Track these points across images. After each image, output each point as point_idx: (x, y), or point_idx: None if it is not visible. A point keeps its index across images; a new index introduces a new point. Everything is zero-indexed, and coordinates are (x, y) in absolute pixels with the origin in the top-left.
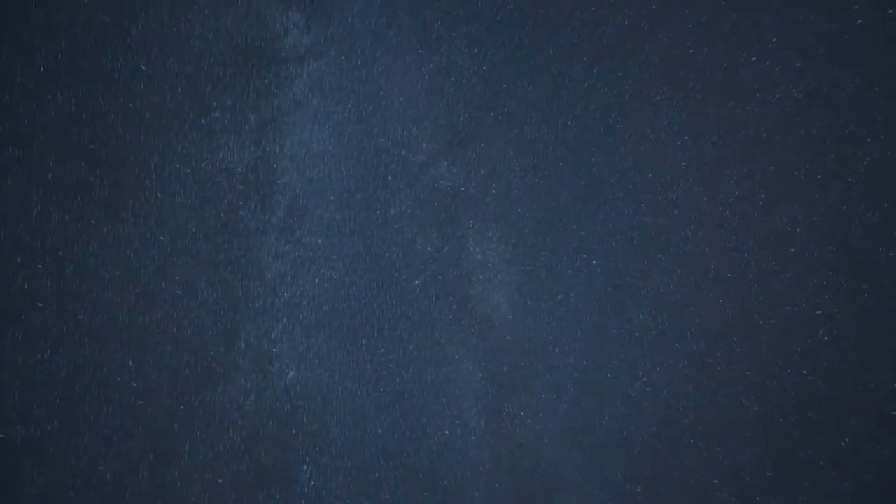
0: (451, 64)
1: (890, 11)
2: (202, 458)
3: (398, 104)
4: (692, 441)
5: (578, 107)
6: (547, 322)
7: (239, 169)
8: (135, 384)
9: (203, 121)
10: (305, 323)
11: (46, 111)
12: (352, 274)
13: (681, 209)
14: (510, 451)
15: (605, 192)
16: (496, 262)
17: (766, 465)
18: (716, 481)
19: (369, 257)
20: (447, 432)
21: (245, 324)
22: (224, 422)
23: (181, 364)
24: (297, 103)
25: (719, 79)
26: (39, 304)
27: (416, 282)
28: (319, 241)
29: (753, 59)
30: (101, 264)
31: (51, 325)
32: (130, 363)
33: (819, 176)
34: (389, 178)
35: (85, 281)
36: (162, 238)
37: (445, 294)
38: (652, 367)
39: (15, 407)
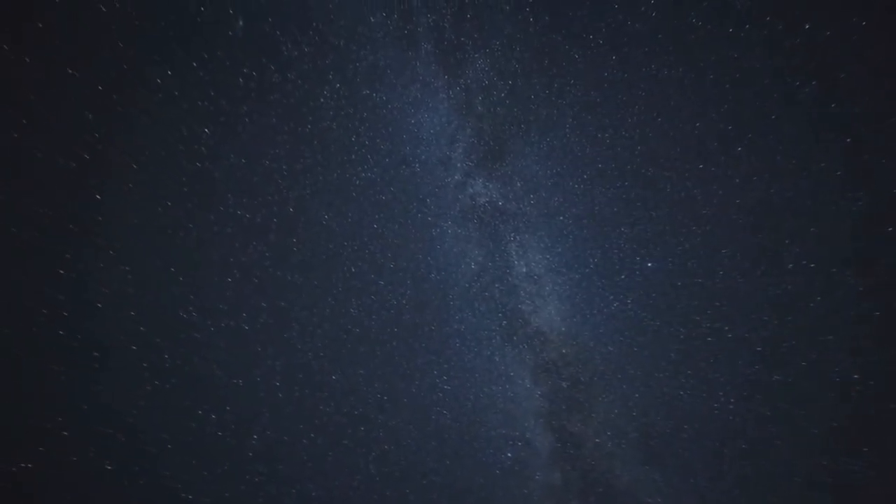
0: (476, 84)
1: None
2: None
3: (430, 130)
4: (788, 460)
5: (608, 110)
6: (605, 332)
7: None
8: None
9: None
10: (357, 348)
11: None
12: (398, 297)
13: (745, 197)
14: (582, 473)
15: (652, 189)
16: (543, 274)
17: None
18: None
19: (413, 279)
20: (510, 454)
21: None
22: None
23: None
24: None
25: (763, 83)
26: None
27: (463, 300)
28: (364, 266)
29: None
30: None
31: None
32: None
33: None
34: (428, 200)
35: None
36: None
37: (493, 310)
38: (733, 375)
39: None
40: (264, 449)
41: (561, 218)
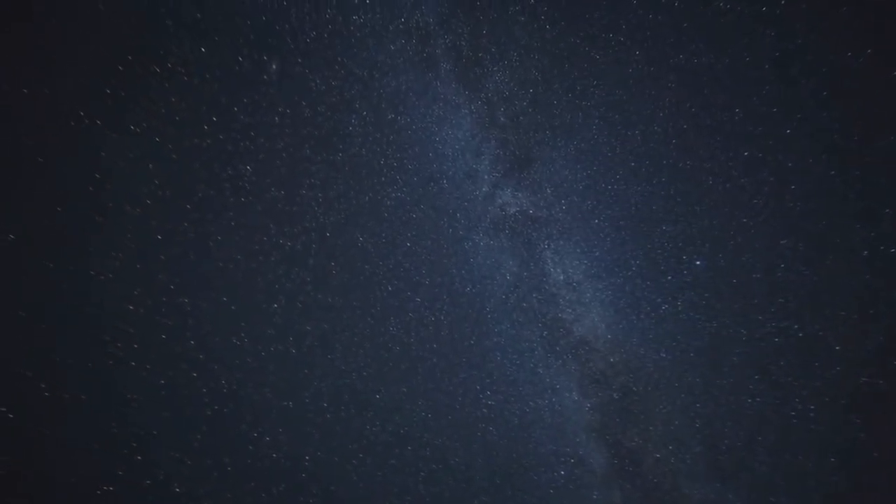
0: (497, 96)
1: None
2: None
3: (454, 145)
4: (888, 475)
5: (636, 106)
6: (655, 338)
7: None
8: None
9: None
10: (398, 366)
11: None
12: (436, 313)
13: (802, 181)
14: (644, 492)
15: (693, 183)
16: (582, 280)
17: None
18: None
19: (449, 294)
20: (563, 472)
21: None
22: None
23: None
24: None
25: (807, 59)
26: None
27: (501, 312)
28: (400, 284)
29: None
30: None
31: None
32: None
33: None
34: (458, 214)
35: None
36: None
37: (533, 320)
38: (810, 378)
39: None
40: (317, 470)
41: (596, 221)
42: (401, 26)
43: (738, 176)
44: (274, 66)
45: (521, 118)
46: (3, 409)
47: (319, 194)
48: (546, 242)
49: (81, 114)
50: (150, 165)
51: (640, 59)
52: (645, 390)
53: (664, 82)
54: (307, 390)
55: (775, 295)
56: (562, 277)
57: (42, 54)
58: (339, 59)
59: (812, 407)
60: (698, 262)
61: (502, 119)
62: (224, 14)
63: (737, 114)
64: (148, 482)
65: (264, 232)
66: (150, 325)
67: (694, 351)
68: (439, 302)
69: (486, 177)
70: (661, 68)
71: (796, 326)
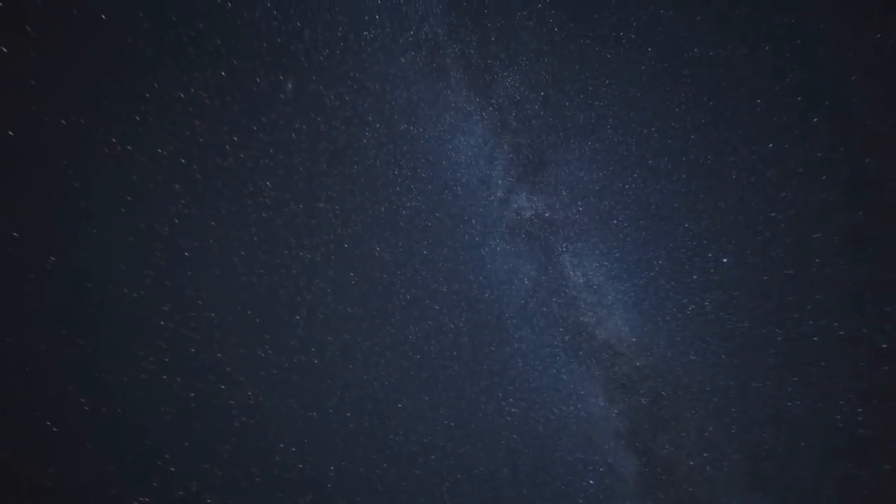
0: (508, 101)
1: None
2: None
3: (467, 152)
4: None
5: (651, 103)
6: (683, 340)
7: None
8: None
9: None
10: (419, 374)
11: None
12: (454, 320)
13: (833, 170)
14: (679, 502)
15: (716, 178)
16: (602, 282)
17: None
18: None
19: (468, 301)
20: (592, 482)
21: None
22: None
23: None
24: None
25: (834, 42)
26: None
27: (521, 317)
28: (418, 292)
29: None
30: None
31: None
32: None
33: None
34: (473, 220)
35: None
36: None
37: (554, 325)
38: (855, 379)
39: None
40: (342, 480)
41: (615, 221)
42: (410, 39)
43: (763, 169)
44: (289, 85)
45: (533, 121)
46: (48, 423)
47: (336, 206)
48: (564, 245)
49: (113, 140)
50: (177, 186)
51: (652, 55)
52: (675, 395)
53: (679, 77)
54: (330, 400)
55: (811, 291)
56: (582, 280)
57: (77, 88)
58: (352, 74)
59: (859, 410)
60: (725, 260)
61: (514, 123)
62: (242, 39)
63: (758, 105)
64: (181, 493)
65: (285, 245)
66: (180, 339)
67: (725, 353)
68: (458, 309)
69: (500, 182)
70: (675, 63)
71: (836, 324)
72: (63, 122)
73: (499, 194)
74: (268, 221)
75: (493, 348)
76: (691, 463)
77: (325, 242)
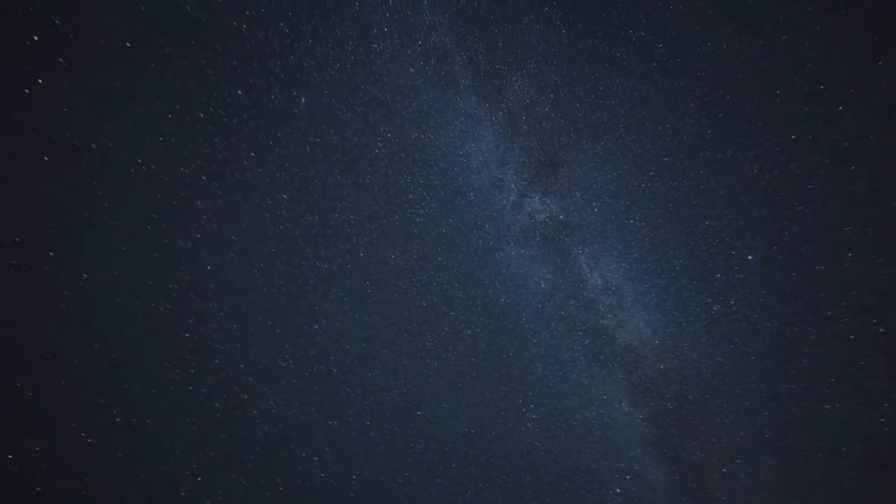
0: (517, 105)
1: None
2: None
3: (478, 157)
4: None
5: (664, 99)
6: (709, 341)
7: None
8: None
9: None
10: (438, 382)
11: None
12: (471, 326)
13: (861, 161)
14: None
15: (736, 173)
16: (621, 283)
17: None
18: None
19: (484, 306)
20: (619, 490)
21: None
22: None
23: None
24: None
25: (855, 29)
26: None
27: (538, 321)
28: (434, 299)
29: None
30: None
31: None
32: None
33: None
34: (486, 225)
35: None
36: None
37: (573, 329)
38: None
39: None
40: (364, 489)
41: (631, 221)
42: (418, 49)
43: (786, 161)
44: (303, 100)
45: (543, 124)
46: (83, 435)
47: (351, 216)
48: (580, 247)
49: (139, 161)
50: (199, 202)
51: (663, 51)
52: (703, 399)
53: (693, 72)
54: (350, 409)
55: (845, 287)
56: (600, 282)
57: (106, 114)
58: (362, 86)
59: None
60: (750, 257)
61: (524, 127)
62: (258, 59)
63: (778, 95)
64: (208, 503)
65: (302, 256)
66: (205, 351)
67: (755, 354)
68: (475, 315)
69: (512, 185)
70: (687, 58)
71: (875, 321)
72: (93, 145)
73: (512, 198)
74: (285, 233)
75: (511, 354)
76: (724, 470)
77: (341, 252)
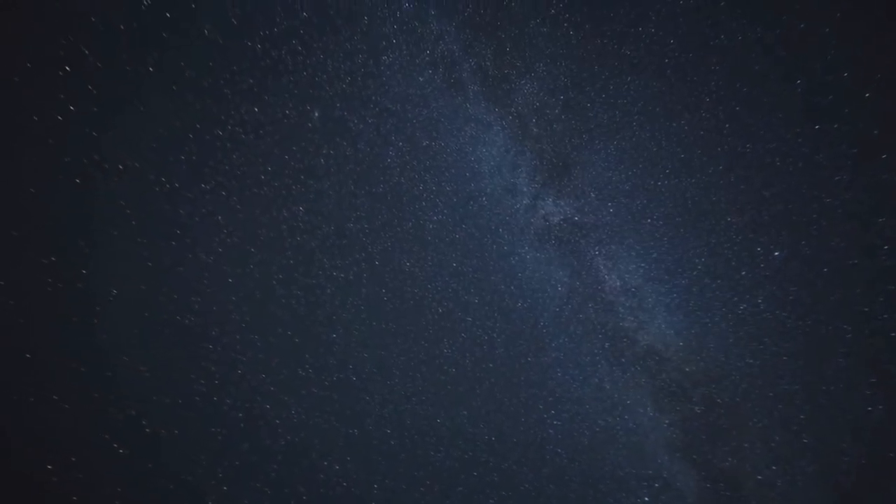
0: (527, 108)
1: None
2: None
3: (490, 162)
4: None
5: (678, 95)
6: (737, 341)
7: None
8: None
9: None
10: (456, 388)
11: None
12: (488, 331)
13: (893, 152)
14: None
15: (756, 167)
16: (641, 284)
17: None
18: None
19: (501, 312)
20: (647, 498)
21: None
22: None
23: None
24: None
25: (880, 13)
26: None
27: (557, 325)
28: (450, 305)
29: None
30: None
31: None
32: None
33: None
34: (500, 230)
35: None
36: None
37: (592, 332)
38: None
39: None
40: (386, 498)
41: (649, 221)
42: (427, 58)
43: (811, 153)
44: (316, 114)
45: (554, 126)
46: (115, 446)
47: (366, 226)
48: (596, 249)
49: (163, 179)
50: (219, 217)
51: (675, 47)
52: (732, 402)
53: (707, 66)
54: (370, 417)
55: (881, 282)
56: (618, 284)
57: (131, 136)
58: (374, 97)
59: None
60: (777, 253)
61: (535, 130)
62: (272, 76)
63: (799, 85)
64: None
65: (319, 266)
66: (228, 362)
67: (787, 354)
68: (491, 320)
69: (525, 189)
70: (701, 52)
71: None
72: (120, 167)
73: (525, 201)
74: (302, 245)
75: (530, 359)
76: (759, 477)
77: (356, 261)
